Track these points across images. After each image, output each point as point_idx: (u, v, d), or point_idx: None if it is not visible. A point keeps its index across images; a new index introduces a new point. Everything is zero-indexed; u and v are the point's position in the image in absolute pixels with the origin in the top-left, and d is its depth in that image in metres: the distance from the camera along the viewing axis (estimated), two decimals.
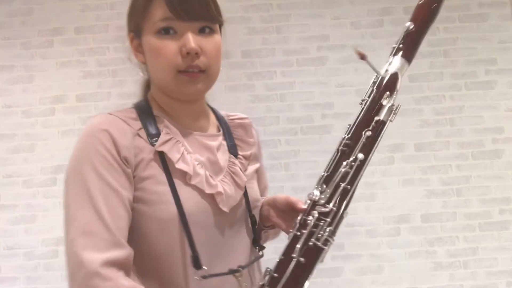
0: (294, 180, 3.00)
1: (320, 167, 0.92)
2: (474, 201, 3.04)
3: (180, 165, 0.95)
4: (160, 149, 0.95)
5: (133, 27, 1.01)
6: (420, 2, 0.96)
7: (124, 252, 0.86)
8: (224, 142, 1.07)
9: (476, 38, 3.16)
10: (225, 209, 0.98)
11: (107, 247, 0.84)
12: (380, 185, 3.03)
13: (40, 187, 3.00)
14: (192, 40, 0.94)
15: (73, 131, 3.04)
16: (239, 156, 1.08)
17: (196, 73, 0.96)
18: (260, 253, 1.07)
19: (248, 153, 1.11)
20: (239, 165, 1.06)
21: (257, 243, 1.07)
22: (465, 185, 3.05)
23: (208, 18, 0.96)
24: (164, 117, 1.00)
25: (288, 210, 1.03)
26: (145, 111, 1.00)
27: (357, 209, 2.98)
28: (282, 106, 3.12)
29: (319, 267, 0.87)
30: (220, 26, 1.03)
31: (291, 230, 0.91)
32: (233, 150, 1.08)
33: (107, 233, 0.85)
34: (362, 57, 0.91)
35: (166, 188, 0.93)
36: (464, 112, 3.11)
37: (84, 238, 0.84)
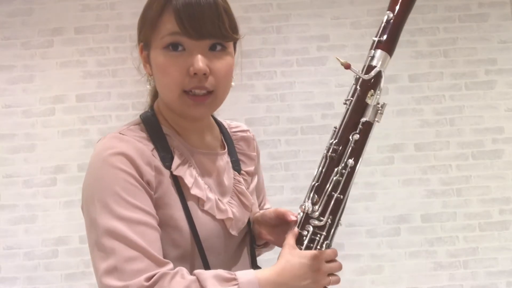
0: (294, 180, 3.00)
1: None
2: (474, 201, 3.04)
3: (194, 191, 0.92)
4: (176, 173, 0.91)
5: (142, 38, 0.94)
6: None
7: (170, 266, 0.82)
8: (229, 159, 1.04)
9: (476, 38, 3.16)
10: (234, 232, 0.97)
11: (153, 268, 0.80)
12: (380, 185, 3.02)
13: (40, 187, 3.00)
14: (200, 60, 0.87)
15: (73, 131, 3.04)
16: (242, 172, 1.05)
17: (201, 96, 0.89)
18: None
19: (251, 168, 1.08)
20: (244, 183, 1.04)
21: (255, 265, 1.04)
22: (465, 185, 3.05)
23: (220, 37, 0.88)
24: (174, 136, 0.95)
25: (279, 224, 1.00)
26: (154, 128, 0.94)
27: (357, 209, 2.98)
28: (282, 106, 3.11)
29: None
30: (235, 42, 0.97)
31: None
32: (236, 166, 1.04)
33: (147, 257, 0.80)
34: (347, 66, 0.88)
35: (182, 214, 0.90)
36: (464, 112, 3.11)
37: (127, 266, 0.78)
